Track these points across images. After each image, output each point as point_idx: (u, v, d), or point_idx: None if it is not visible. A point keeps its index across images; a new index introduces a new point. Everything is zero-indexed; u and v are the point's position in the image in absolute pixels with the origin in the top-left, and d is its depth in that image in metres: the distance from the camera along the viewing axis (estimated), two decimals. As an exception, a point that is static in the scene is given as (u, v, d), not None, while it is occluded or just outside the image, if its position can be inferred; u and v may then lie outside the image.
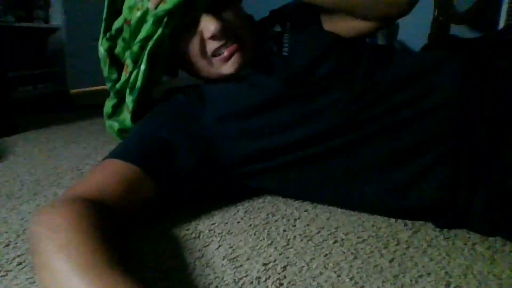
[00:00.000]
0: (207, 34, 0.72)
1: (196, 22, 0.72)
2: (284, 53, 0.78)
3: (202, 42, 0.74)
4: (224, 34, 0.72)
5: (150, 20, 0.70)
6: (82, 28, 2.70)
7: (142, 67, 0.72)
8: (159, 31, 0.70)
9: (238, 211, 0.77)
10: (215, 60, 0.75)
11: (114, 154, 0.68)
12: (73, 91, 2.40)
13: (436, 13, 2.17)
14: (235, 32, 0.74)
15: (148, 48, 0.71)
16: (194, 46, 0.74)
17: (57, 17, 2.15)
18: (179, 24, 0.71)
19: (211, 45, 0.74)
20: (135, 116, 0.77)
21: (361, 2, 0.76)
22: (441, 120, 0.67)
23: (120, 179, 0.62)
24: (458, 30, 2.18)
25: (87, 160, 1.12)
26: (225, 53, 0.74)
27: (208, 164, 0.74)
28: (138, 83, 0.73)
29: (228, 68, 0.75)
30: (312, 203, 0.80)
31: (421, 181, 0.67)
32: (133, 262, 0.58)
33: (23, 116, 1.78)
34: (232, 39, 0.74)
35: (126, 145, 0.71)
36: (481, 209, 0.64)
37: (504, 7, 1.78)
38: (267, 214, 0.75)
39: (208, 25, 0.71)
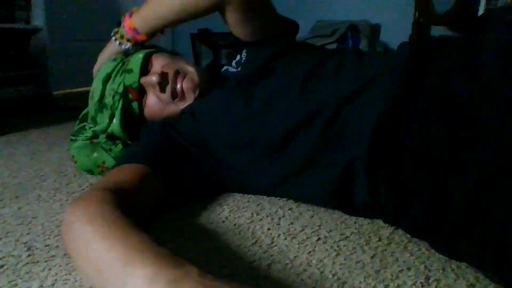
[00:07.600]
0: (154, 81, 0.87)
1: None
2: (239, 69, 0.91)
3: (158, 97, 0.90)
4: (166, 75, 0.88)
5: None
6: (64, 29, 2.67)
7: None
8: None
9: (223, 211, 0.77)
10: (176, 101, 0.89)
11: (122, 161, 0.76)
12: (56, 92, 2.37)
13: (416, 15, 2.21)
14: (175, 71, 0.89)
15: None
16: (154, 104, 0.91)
17: (38, 18, 2.11)
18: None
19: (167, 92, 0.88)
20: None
21: (176, 8, 0.90)
22: (365, 115, 0.65)
23: (134, 176, 0.69)
24: (439, 31, 2.23)
25: (70, 163, 1.11)
26: (178, 85, 0.87)
27: (190, 160, 0.82)
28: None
29: (189, 99, 0.89)
30: (296, 202, 0.81)
31: (349, 185, 0.68)
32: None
33: (5, 118, 1.75)
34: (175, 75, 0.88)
35: (129, 154, 0.81)
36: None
37: (481, 8, 1.83)
38: (252, 213, 0.76)
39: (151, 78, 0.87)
